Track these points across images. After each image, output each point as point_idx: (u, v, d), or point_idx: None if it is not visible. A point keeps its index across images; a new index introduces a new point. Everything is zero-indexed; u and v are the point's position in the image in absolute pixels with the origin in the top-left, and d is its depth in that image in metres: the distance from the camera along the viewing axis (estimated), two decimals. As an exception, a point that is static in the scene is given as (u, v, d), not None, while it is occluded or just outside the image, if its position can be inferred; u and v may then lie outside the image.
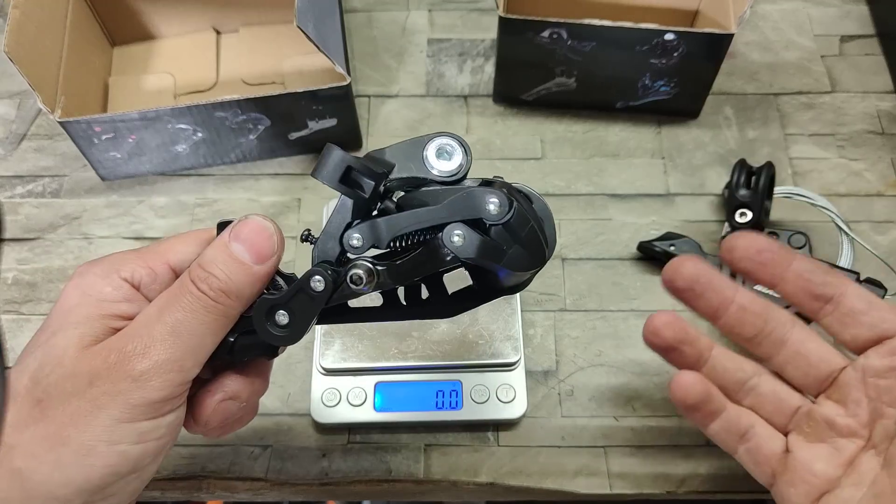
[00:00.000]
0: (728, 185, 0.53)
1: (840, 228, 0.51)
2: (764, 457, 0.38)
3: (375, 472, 0.47)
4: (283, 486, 0.47)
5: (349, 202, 0.32)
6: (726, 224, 0.53)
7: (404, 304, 0.36)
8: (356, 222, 0.32)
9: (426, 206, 0.32)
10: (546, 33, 0.53)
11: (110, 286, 0.32)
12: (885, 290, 0.47)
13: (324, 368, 0.48)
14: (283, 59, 0.62)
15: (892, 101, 0.61)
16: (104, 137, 0.53)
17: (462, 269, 0.35)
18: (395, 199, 0.33)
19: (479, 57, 0.63)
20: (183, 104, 0.52)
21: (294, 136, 0.57)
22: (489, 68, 0.63)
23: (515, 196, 0.31)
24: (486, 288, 0.35)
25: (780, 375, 0.38)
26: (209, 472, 0.47)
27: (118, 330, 0.31)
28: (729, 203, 0.52)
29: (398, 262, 0.32)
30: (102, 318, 0.31)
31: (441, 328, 0.48)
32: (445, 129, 0.54)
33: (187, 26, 0.63)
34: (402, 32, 0.65)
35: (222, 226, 0.33)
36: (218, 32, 0.64)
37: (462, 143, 0.33)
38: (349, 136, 0.58)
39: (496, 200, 0.30)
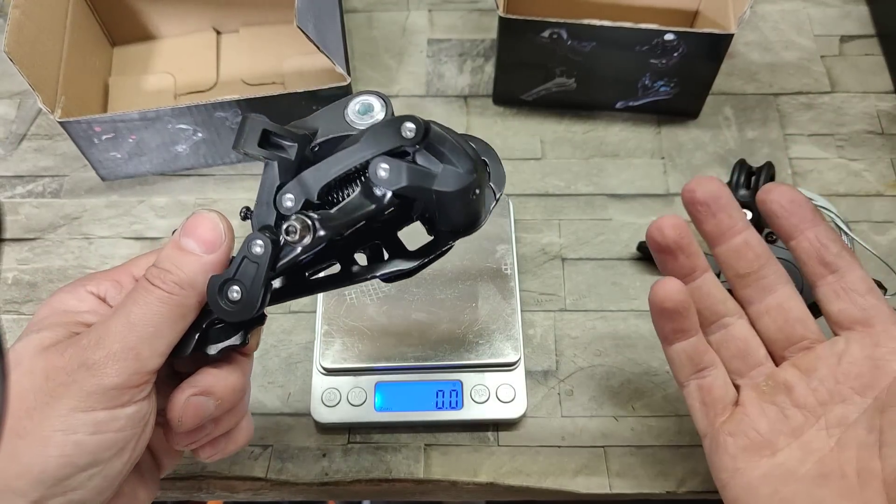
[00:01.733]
0: (728, 185, 0.53)
1: (840, 228, 0.51)
2: (713, 398, 0.38)
3: (375, 471, 0.47)
4: (283, 486, 0.47)
5: (275, 167, 0.32)
6: (726, 224, 0.53)
7: (365, 265, 0.35)
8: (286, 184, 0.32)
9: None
10: (546, 33, 0.53)
11: (75, 298, 0.34)
12: (885, 289, 0.47)
13: (324, 368, 0.48)
14: (283, 59, 0.62)
15: (892, 102, 0.61)
16: (104, 137, 0.53)
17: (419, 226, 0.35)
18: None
19: (479, 57, 0.63)
20: (183, 104, 0.52)
21: (294, 136, 0.57)
22: (489, 69, 0.63)
23: (431, 122, 0.31)
24: (442, 232, 0.35)
25: (754, 328, 0.39)
26: (209, 472, 0.47)
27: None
28: (729, 203, 0.52)
29: (332, 210, 0.32)
30: (66, 325, 0.32)
31: (441, 328, 0.48)
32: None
33: (187, 26, 0.63)
34: (402, 33, 0.65)
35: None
36: (218, 32, 0.64)
37: (381, 97, 0.33)
38: (349, 137, 0.58)
39: (410, 125, 0.30)
